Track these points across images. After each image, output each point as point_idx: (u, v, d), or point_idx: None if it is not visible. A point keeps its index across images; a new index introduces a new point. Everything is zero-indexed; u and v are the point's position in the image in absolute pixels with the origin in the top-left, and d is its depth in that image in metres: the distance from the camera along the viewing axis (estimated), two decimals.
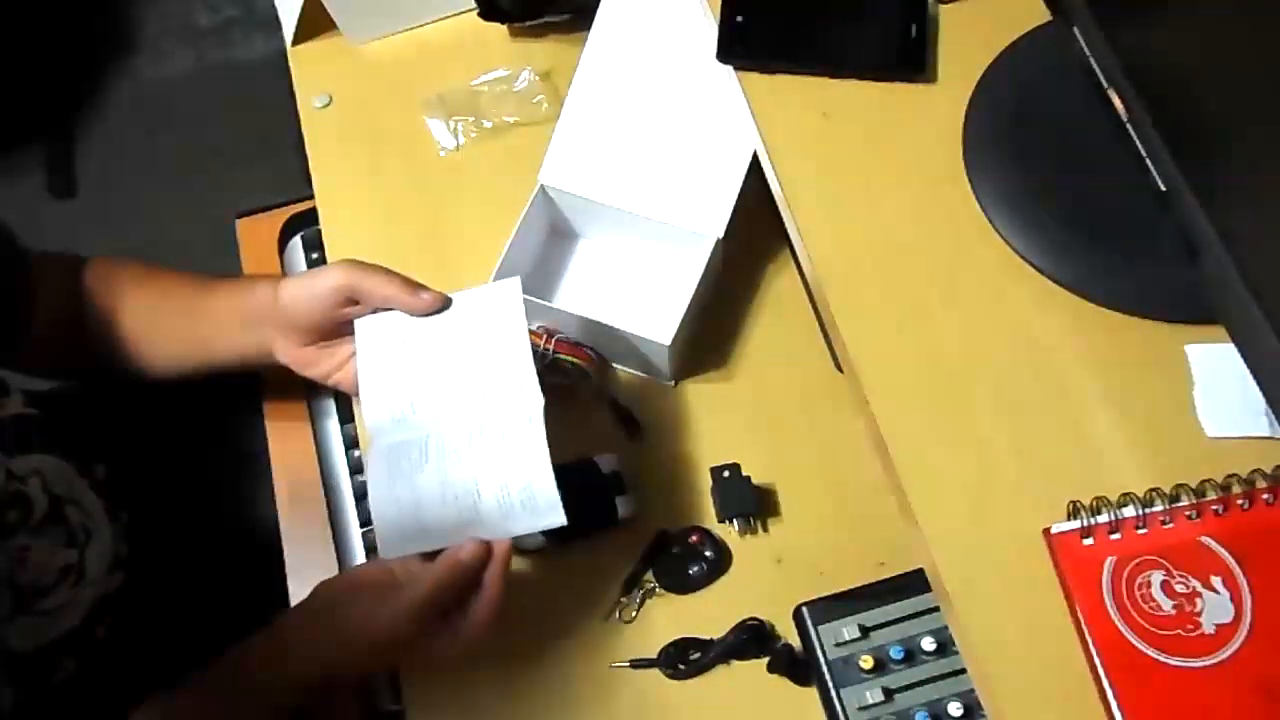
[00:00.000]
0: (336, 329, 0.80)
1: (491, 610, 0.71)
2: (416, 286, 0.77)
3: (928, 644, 0.75)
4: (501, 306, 0.76)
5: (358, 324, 0.79)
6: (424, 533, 0.73)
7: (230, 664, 0.72)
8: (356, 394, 0.80)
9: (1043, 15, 0.73)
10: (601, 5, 0.90)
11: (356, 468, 0.93)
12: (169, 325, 0.84)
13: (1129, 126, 0.61)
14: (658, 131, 0.88)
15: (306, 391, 0.95)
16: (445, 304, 0.78)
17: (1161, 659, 0.56)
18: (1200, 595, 0.57)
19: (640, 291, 0.93)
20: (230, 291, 0.83)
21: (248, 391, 0.94)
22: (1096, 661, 0.56)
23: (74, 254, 0.86)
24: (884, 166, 0.72)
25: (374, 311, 0.79)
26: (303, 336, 0.81)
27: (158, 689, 0.70)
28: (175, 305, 0.84)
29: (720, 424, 0.89)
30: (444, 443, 0.75)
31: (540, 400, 0.74)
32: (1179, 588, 0.58)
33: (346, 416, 0.94)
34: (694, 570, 0.82)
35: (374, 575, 0.73)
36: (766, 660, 0.78)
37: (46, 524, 0.72)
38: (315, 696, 0.73)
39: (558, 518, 0.71)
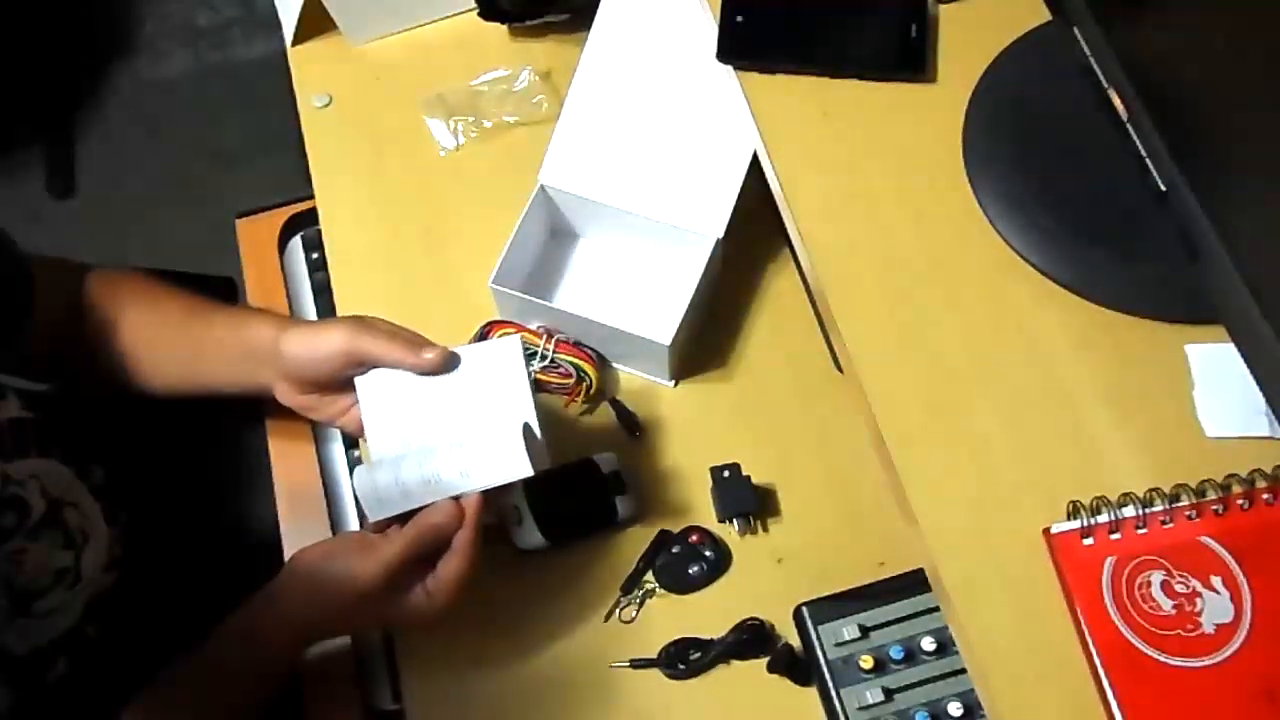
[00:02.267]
0: (339, 384, 0.79)
1: (459, 573, 0.72)
2: (420, 346, 0.76)
3: (928, 644, 0.75)
4: (502, 364, 0.76)
5: (359, 382, 0.77)
6: (405, 495, 0.73)
7: (213, 644, 0.73)
8: (361, 436, 0.80)
9: (1043, 15, 0.73)
10: (601, 5, 0.90)
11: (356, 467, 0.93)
12: (168, 350, 0.83)
13: (1129, 126, 0.61)
14: (658, 131, 0.88)
15: None
16: (451, 361, 0.76)
17: (1161, 659, 0.56)
18: (1200, 595, 0.57)
19: (640, 291, 0.93)
20: (230, 326, 0.82)
21: None
22: (1096, 661, 0.57)
23: (74, 260, 0.86)
24: (884, 166, 0.72)
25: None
26: (304, 387, 0.80)
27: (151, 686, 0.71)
28: (175, 331, 0.83)
29: (720, 424, 0.89)
30: (428, 415, 0.76)
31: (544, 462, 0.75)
32: (1179, 588, 0.58)
33: None
34: (694, 570, 0.82)
35: (348, 539, 0.76)
36: (766, 660, 0.78)
37: (43, 527, 0.72)
38: (295, 662, 0.75)
39: (522, 469, 0.71)
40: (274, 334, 0.79)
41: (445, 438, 0.75)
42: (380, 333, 0.76)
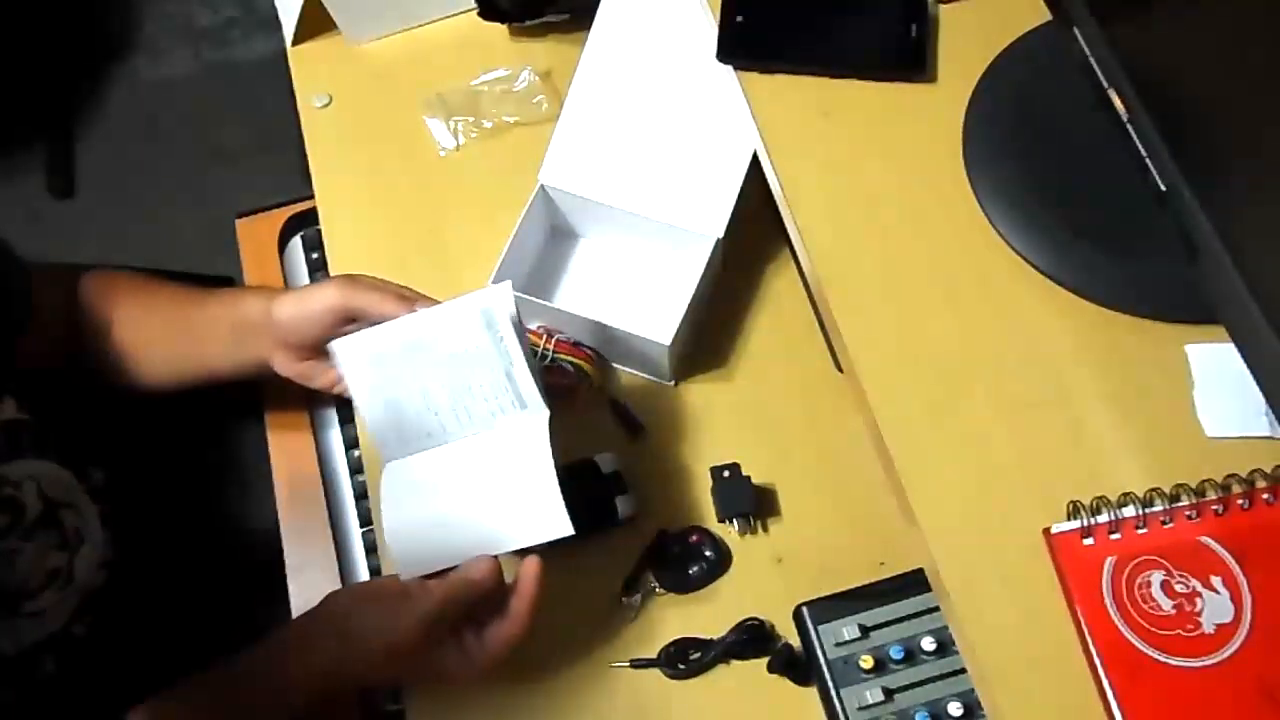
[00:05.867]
0: None
1: (511, 641, 0.72)
2: (412, 298, 0.76)
3: (928, 644, 0.75)
4: (494, 314, 0.74)
5: (335, 346, 0.75)
6: (438, 553, 0.73)
7: (233, 668, 0.72)
8: None
9: (1043, 15, 0.73)
10: (601, 5, 0.90)
11: (356, 467, 0.93)
12: (164, 338, 0.83)
13: (1129, 126, 0.61)
14: (658, 131, 0.88)
15: (306, 391, 0.94)
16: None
17: (1161, 659, 0.56)
18: (1200, 595, 0.57)
19: (640, 291, 0.93)
20: (223, 304, 0.83)
21: (248, 391, 0.94)
22: (1096, 661, 0.57)
23: (71, 266, 0.86)
24: (884, 166, 0.72)
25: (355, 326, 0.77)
26: (300, 353, 0.80)
27: (145, 687, 0.70)
28: (169, 318, 0.84)
29: (720, 424, 0.89)
30: (450, 460, 0.74)
31: (545, 412, 0.74)
32: (1179, 588, 0.58)
33: (346, 416, 0.94)
34: (694, 570, 0.82)
35: (385, 587, 0.74)
36: (766, 660, 0.78)
37: (38, 528, 0.72)
38: (316, 706, 0.73)
39: (564, 528, 0.71)
40: (266, 303, 0.79)
41: (467, 449, 0.74)
42: (371, 287, 0.77)
